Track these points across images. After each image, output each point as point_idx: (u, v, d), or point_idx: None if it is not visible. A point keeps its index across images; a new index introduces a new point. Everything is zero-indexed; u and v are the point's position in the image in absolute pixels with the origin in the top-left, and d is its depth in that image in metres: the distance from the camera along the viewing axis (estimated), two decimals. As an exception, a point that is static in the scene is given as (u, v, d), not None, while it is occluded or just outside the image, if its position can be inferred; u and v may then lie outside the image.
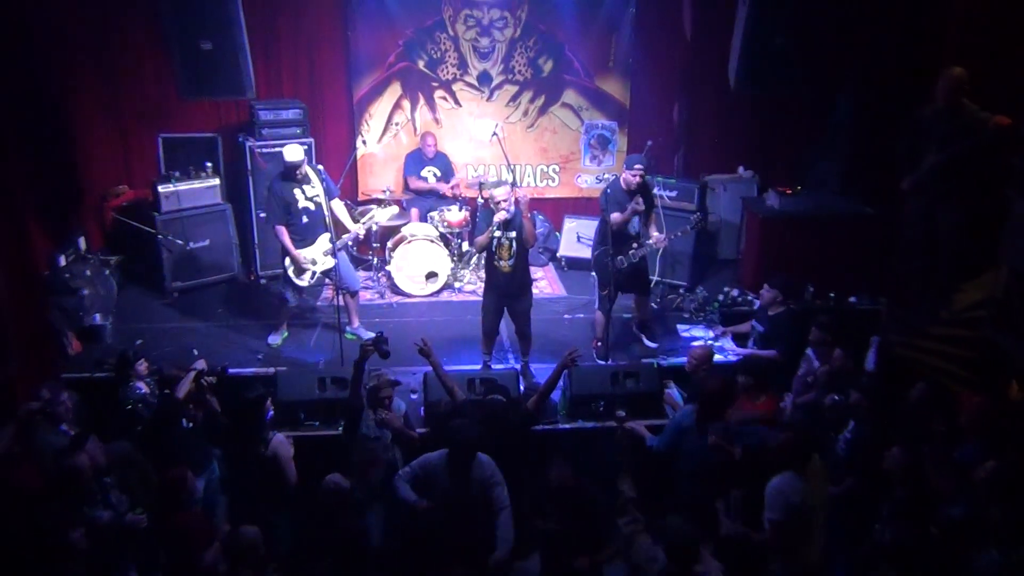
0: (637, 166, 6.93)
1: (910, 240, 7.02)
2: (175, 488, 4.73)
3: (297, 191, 7.04)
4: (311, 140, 8.56)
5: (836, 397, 5.75)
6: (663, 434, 5.51)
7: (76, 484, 4.69)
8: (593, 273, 7.57)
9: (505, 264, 6.66)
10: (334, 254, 6.97)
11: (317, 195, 7.07)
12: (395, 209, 8.00)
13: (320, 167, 7.34)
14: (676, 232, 7.43)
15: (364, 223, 7.60)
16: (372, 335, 7.20)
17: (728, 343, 7.34)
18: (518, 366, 7.02)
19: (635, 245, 7.05)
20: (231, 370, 6.26)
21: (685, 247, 8.55)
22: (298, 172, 6.99)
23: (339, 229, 7.31)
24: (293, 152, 6.99)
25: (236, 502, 5.45)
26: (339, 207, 7.39)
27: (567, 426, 6.39)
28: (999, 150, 6.32)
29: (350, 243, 7.40)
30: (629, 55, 9.45)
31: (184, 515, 4.73)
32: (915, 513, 4.42)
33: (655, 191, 8.38)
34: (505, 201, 6.48)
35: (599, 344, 7.20)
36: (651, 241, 7.09)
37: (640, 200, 6.89)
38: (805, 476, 4.70)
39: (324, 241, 7.13)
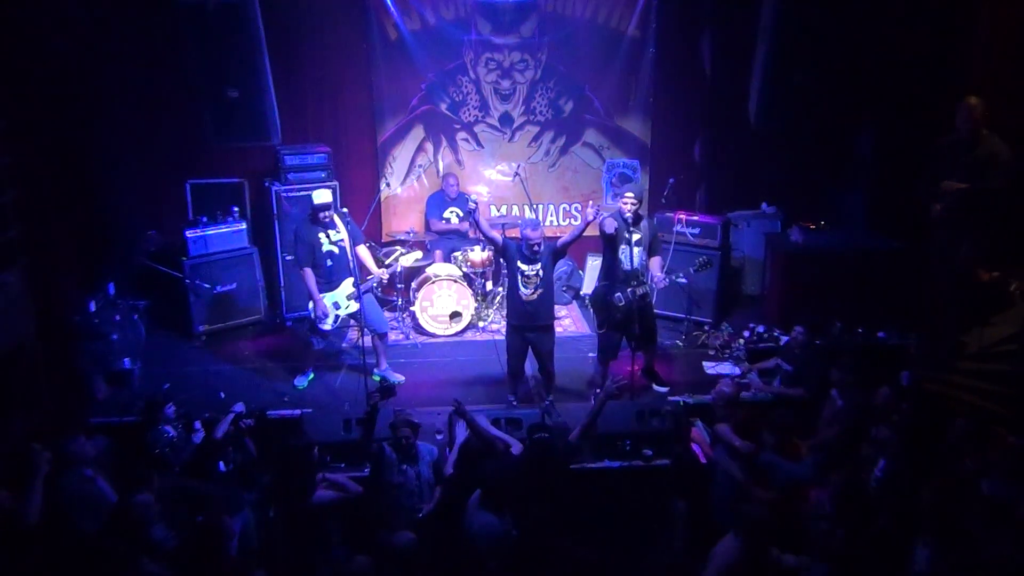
0: (628, 194, 6.67)
1: (936, 273, 6.95)
2: (215, 534, 4.68)
3: (322, 235, 7.12)
4: (336, 183, 8.66)
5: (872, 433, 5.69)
6: None
7: (139, 524, 4.68)
8: (591, 309, 7.37)
9: (531, 295, 6.64)
10: (358, 298, 7.01)
11: (342, 240, 7.14)
12: (418, 254, 8.05)
13: (345, 210, 7.43)
14: (680, 272, 7.33)
15: (388, 264, 7.66)
16: (400, 377, 7.27)
17: (755, 380, 7.27)
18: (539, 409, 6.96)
19: (634, 283, 6.74)
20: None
21: (709, 284, 8.52)
22: (324, 216, 7.07)
23: (364, 273, 7.36)
24: (322, 195, 7.07)
25: (276, 549, 5.40)
26: (364, 252, 7.44)
27: (594, 465, 6.32)
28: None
29: (375, 285, 7.44)
30: (649, 93, 9.52)
31: (227, 562, 4.68)
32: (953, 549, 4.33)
33: (676, 228, 8.42)
34: (537, 243, 6.55)
35: (599, 392, 6.87)
36: (653, 280, 6.88)
37: (596, 208, 6.59)
38: None
39: (348, 285, 7.18)
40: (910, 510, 4.77)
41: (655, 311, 7.40)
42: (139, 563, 4.44)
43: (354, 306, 7.16)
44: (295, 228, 7.34)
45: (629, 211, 6.67)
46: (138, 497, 4.70)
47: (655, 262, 6.91)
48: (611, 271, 6.76)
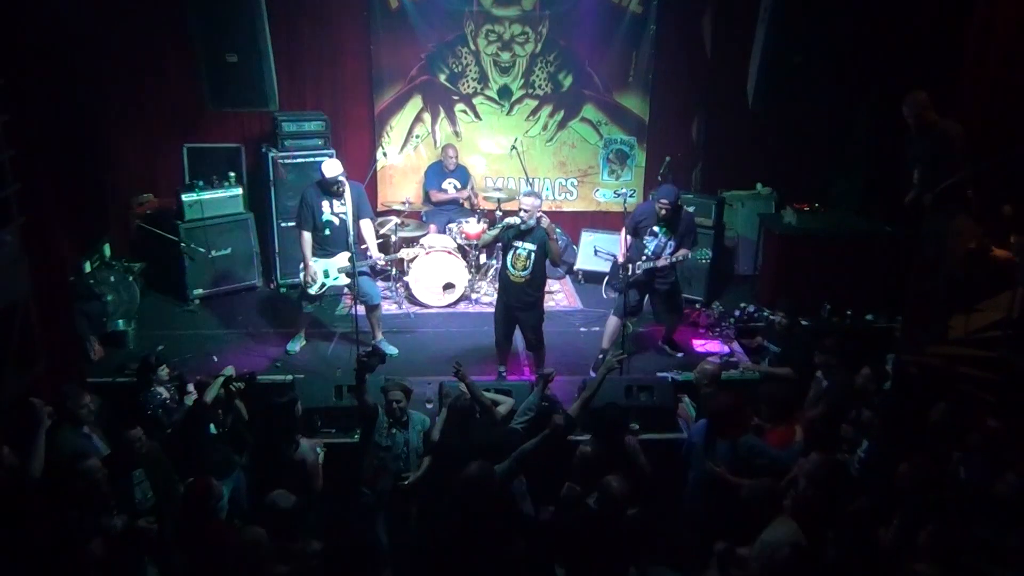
0: (663, 200, 7.08)
1: (925, 259, 7.02)
2: (202, 496, 4.73)
3: (326, 202, 7.13)
4: (332, 151, 8.67)
5: (853, 414, 5.76)
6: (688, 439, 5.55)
7: (91, 491, 4.73)
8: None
9: (518, 275, 6.72)
10: (350, 275, 7.05)
11: (344, 212, 7.14)
12: (418, 251, 8.16)
13: (360, 185, 7.41)
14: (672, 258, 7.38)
15: (389, 257, 7.72)
16: (394, 350, 7.32)
17: (743, 360, 7.35)
18: (533, 378, 7.05)
19: (643, 258, 7.20)
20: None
21: (702, 263, 8.59)
22: (333, 187, 7.08)
23: (362, 250, 7.40)
24: (331, 167, 7.07)
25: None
26: (368, 227, 7.42)
27: (579, 438, 6.38)
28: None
29: (368, 268, 7.43)
30: (649, 71, 9.51)
31: (215, 524, 4.72)
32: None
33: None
34: (527, 212, 6.57)
35: (600, 357, 7.26)
36: (662, 262, 7.14)
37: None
38: None
39: (343, 259, 7.21)
40: (890, 491, 4.86)
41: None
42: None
43: (344, 280, 7.20)
44: (303, 189, 7.35)
45: (663, 213, 7.09)
46: (86, 465, 4.74)
47: (680, 253, 7.17)
48: (636, 250, 7.29)
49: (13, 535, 4.35)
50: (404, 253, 7.89)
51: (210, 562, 4.41)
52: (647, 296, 7.48)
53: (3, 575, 4.22)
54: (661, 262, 7.15)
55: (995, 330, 6.30)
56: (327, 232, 7.20)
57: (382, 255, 7.59)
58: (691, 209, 8.55)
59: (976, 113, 7.03)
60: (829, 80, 7.57)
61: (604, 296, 7.79)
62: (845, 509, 4.84)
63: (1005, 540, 4.38)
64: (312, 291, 7.31)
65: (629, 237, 7.34)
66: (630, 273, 7.20)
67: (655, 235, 7.21)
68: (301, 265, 7.28)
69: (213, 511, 4.84)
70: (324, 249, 7.25)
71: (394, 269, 8.77)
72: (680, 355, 7.68)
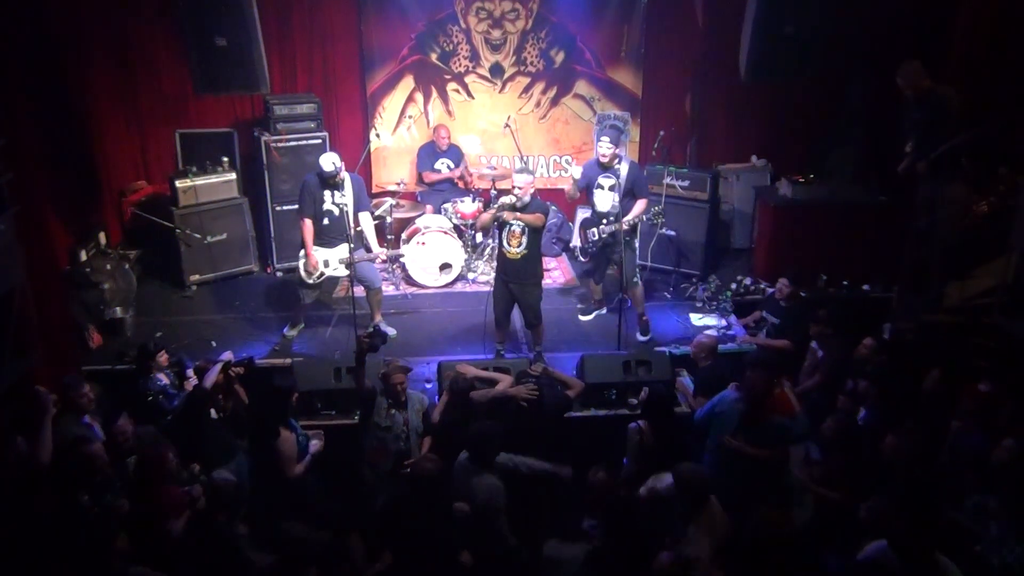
0: (604, 138, 7.24)
1: (919, 227, 7.03)
2: (154, 464, 4.79)
3: (327, 192, 7.10)
4: (325, 134, 8.65)
5: (850, 384, 5.79)
6: (703, 410, 5.59)
7: (95, 473, 4.79)
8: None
9: (513, 251, 6.72)
10: (349, 266, 7.05)
11: (344, 203, 7.10)
12: (416, 246, 8.28)
13: (360, 178, 7.37)
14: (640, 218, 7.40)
15: (391, 253, 7.79)
16: (392, 331, 7.34)
17: (740, 332, 7.37)
18: (532, 355, 7.08)
19: (603, 223, 7.26)
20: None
21: (698, 236, 8.60)
22: (333, 179, 7.04)
23: (361, 243, 7.38)
24: (326, 161, 7.00)
25: (258, 491, 5.51)
26: (367, 220, 7.36)
27: (578, 414, 6.43)
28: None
29: (371, 260, 7.39)
30: (641, 45, 9.46)
31: (161, 488, 4.78)
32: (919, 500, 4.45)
33: (667, 180, 8.47)
34: (520, 189, 6.57)
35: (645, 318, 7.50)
36: (617, 223, 7.12)
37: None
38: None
39: (343, 250, 7.18)
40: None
41: (634, 255, 7.56)
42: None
43: (342, 271, 7.20)
44: (305, 176, 7.32)
45: (604, 156, 7.21)
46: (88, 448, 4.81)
47: (638, 205, 7.25)
48: (592, 211, 7.48)
49: (27, 521, 4.45)
50: (404, 250, 8.02)
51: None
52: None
53: (19, 559, 4.28)
54: (621, 224, 7.07)
55: (989, 297, 6.33)
56: (326, 221, 7.16)
57: (383, 250, 7.57)
58: (686, 183, 8.61)
59: (967, 82, 7.01)
60: (822, 50, 7.53)
61: (582, 260, 7.86)
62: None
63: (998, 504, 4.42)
64: (309, 280, 7.29)
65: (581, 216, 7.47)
66: (596, 237, 7.32)
67: (600, 187, 7.30)
68: (301, 252, 7.24)
69: (166, 480, 4.85)
70: (322, 239, 7.21)
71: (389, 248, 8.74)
72: (646, 339, 7.52)
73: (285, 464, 5.25)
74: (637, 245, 7.64)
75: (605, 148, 7.20)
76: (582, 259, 7.77)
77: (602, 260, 7.62)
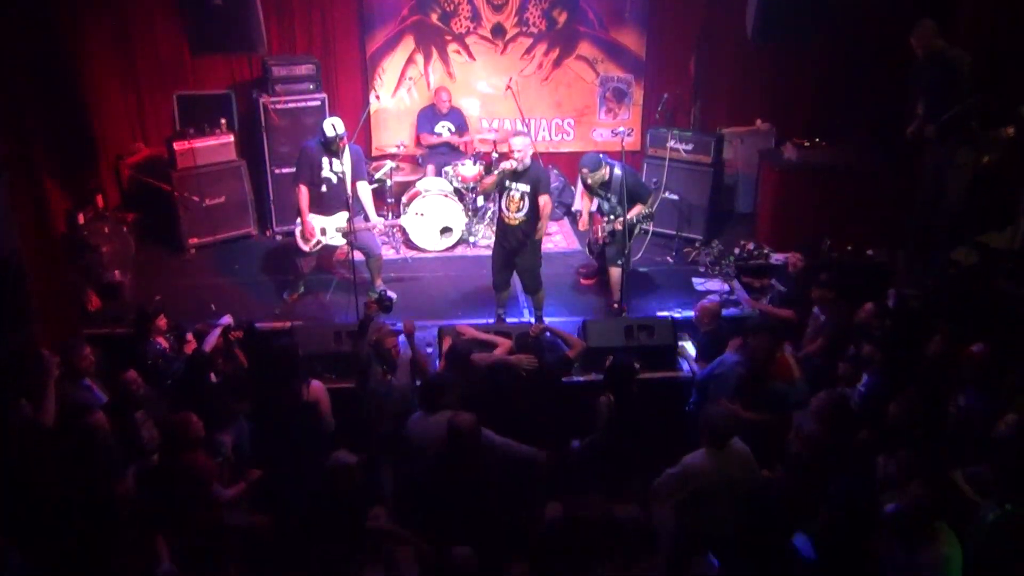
0: (583, 168, 7.07)
1: (926, 192, 6.96)
2: (181, 429, 4.74)
3: (325, 159, 7.02)
4: (324, 95, 8.54)
5: (852, 350, 5.75)
6: (704, 372, 5.60)
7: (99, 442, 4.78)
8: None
9: (512, 217, 6.65)
10: (346, 236, 6.97)
11: (343, 172, 7.02)
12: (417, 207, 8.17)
13: (359, 148, 7.31)
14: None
15: (380, 176, 7.60)
16: (392, 295, 7.30)
17: (743, 297, 7.33)
18: (532, 320, 7.05)
19: (606, 220, 7.13)
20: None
21: (701, 200, 8.53)
22: (334, 144, 6.96)
23: (359, 212, 7.27)
24: (328, 126, 6.92)
25: (268, 452, 5.47)
26: (364, 190, 7.27)
27: (581, 378, 6.41)
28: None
29: (370, 229, 7.33)
30: (645, 6, 9.30)
31: (191, 454, 4.75)
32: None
33: (670, 143, 8.39)
34: (520, 152, 6.48)
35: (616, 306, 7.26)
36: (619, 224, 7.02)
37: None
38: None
39: (340, 219, 7.11)
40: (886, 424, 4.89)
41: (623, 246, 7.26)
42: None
43: (340, 239, 7.13)
44: (304, 143, 7.24)
45: (587, 182, 7.11)
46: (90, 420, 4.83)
47: (636, 207, 7.08)
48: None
49: (34, 482, 4.48)
50: (402, 221, 7.96)
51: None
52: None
53: (28, 523, 4.29)
54: (612, 224, 7.06)
55: (995, 262, 6.29)
56: (324, 189, 7.09)
57: (381, 219, 7.49)
58: (689, 147, 8.51)
59: (975, 45, 6.90)
60: (829, 12, 7.41)
61: (587, 255, 7.83)
62: (848, 442, 4.88)
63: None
64: (306, 248, 7.23)
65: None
66: (597, 237, 7.29)
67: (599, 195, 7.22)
68: (298, 220, 7.18)
69: (194, 444, 4.79)
70: (319, 207, 7.14)
71: (390, 213, 8.67)
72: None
73: (324, 417, 5.31)
74: (629, 244, 7.27)
75: (584, 175, 7.08)
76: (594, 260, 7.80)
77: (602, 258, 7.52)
